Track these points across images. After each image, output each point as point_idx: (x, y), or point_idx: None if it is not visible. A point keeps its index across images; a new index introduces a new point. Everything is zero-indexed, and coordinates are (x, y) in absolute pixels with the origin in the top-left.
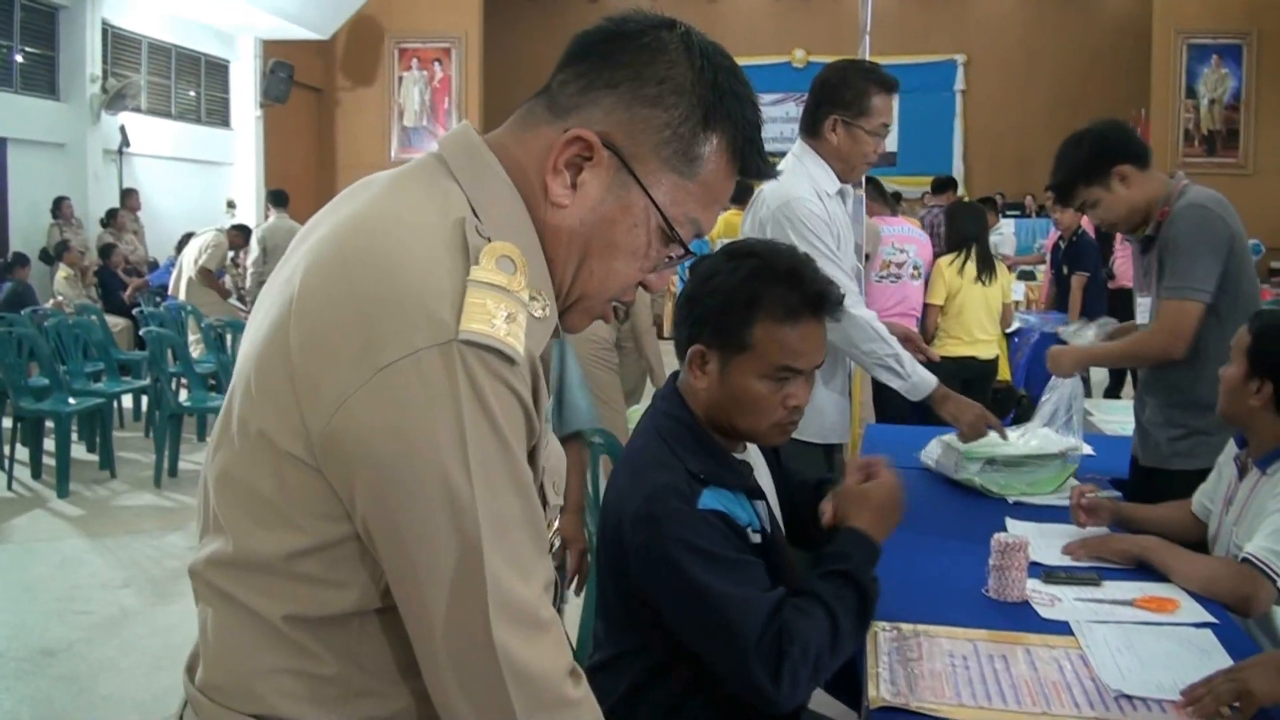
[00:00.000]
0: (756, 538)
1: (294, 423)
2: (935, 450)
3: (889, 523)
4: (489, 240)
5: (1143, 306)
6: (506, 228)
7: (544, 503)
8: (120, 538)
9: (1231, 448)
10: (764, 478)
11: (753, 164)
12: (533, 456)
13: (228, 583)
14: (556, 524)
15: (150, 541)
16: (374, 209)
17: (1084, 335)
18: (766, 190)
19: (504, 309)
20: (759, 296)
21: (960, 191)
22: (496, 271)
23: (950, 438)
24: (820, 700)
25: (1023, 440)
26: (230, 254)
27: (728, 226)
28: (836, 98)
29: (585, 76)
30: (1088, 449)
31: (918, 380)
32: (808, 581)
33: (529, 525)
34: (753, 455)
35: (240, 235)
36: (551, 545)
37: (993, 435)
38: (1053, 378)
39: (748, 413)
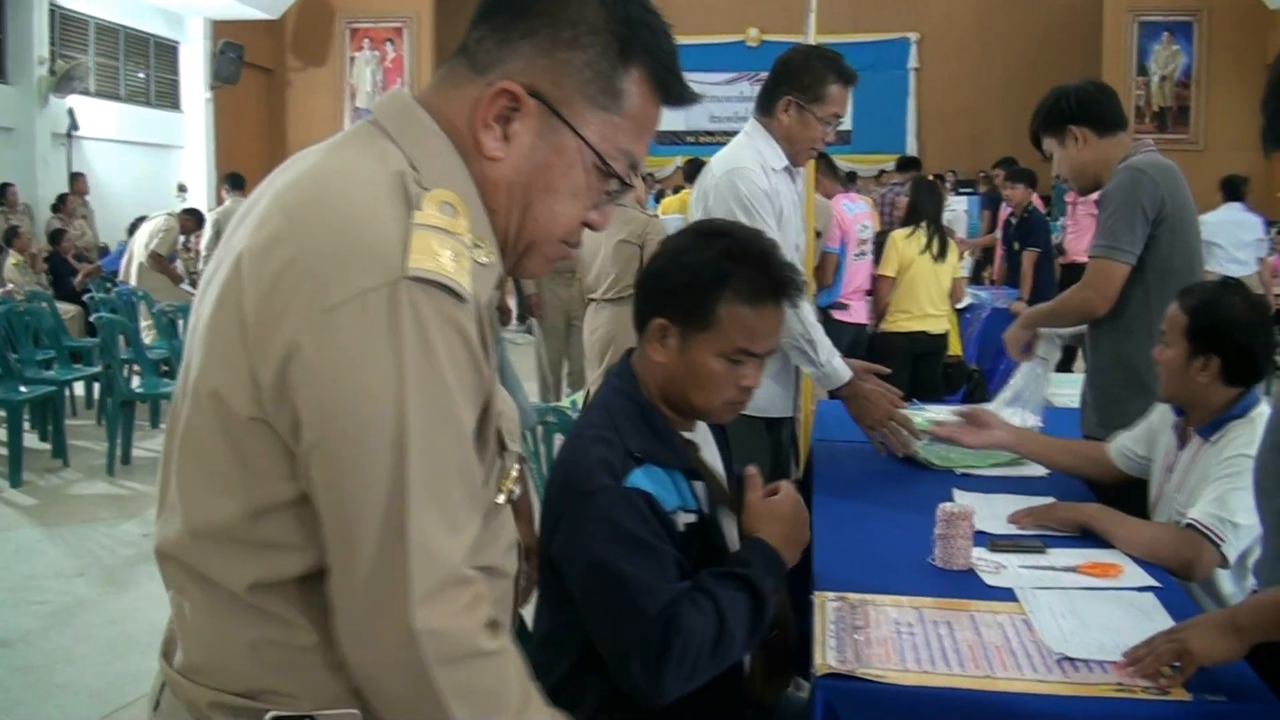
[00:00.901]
0: (690, 517)
1: (245, 379)
2: None
3: (796, 539)
4: (428, 190)
5: None
6: (444, 180)
7: (502, 448)
8: (74, 526)
9: (1168, 414)
10: (713, 457)
11: (675, 91)
12: (487, 406)
13: (193, 558)
14: (516, 472)
15: (105, 530)
16: (312, 170)
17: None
18: (714, 161)
19: (449, 249)
20: (727, 275)
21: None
22: (439, 215)
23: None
24: None
25: None
26: (181, 238)
27: (681, 204)
28: (794, 79)
29: (502, 30)
30: (1039, 423)
31: (830, 370)
32: (703, 580)
33: (463, 476)
34: (702, 435)
35: (191, 219)
36: (512, 494)
37: (940, 411)
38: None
39: (702, 389)
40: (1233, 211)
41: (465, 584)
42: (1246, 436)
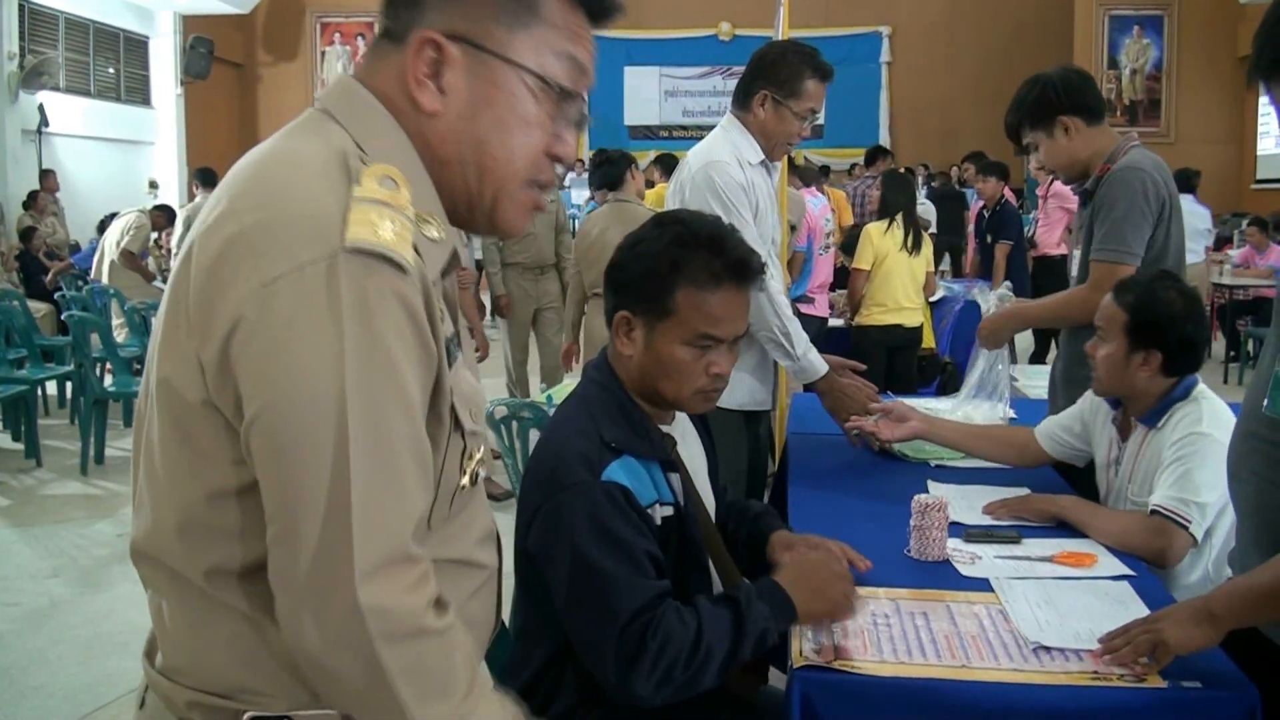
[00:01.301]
0: (667, 510)
1: (191, 362)
2: None
3: (812, 585)
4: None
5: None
6: (387, 155)
7: (459, 428)
8: (48, 527)
9: (1102, 406)
10: (693, 451)
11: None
12: (439, 382)
13: (162, 553)
14: (480, 454)
15: (79, 530)
16: (259, 157)
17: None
18: (690, 154)
19: (388, 221)
20: (681, 262)
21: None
22: (378, 189)
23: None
24: None
25: (950, 412)
26: (153, 235)
27: (657, 199)
28: (771, 74)
29: None
30: (1011, 413)
31: (806, 364)
32: (694, 599)
33: (410, 450)
34: (682, 429)
35: (163, 216)
36: (476, 476)
37: (917, 401)
38: (975, 348)
39: (670, 379)
40: (1186, 203)
41: (411, 562)
42: (1193, 415)
